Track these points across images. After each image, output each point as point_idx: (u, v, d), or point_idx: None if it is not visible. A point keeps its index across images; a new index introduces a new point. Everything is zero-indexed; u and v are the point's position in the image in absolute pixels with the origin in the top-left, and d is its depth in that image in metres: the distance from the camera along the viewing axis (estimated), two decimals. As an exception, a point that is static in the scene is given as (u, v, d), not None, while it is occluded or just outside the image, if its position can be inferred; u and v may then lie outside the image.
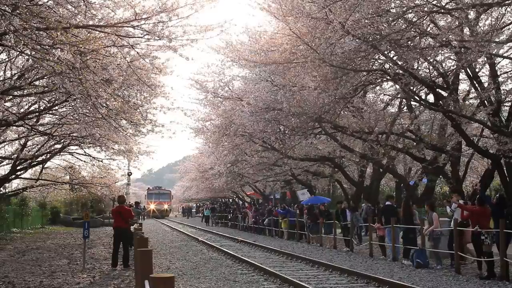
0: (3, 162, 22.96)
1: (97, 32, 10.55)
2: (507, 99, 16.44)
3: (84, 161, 26.05)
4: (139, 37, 10.78)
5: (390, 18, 13.08)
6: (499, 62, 17.39)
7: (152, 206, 63.84)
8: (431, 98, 18.45)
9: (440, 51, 15.04)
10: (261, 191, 42.94)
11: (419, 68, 16.63)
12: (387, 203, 16.40)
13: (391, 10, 13.11)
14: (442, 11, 12.60)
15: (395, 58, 15.55)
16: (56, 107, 16.70)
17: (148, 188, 71.78)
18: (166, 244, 21.30)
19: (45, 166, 27.10)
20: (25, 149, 22.05)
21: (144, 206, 54.86)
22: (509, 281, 10.67)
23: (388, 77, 16.47)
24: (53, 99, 15.64)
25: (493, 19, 14.96)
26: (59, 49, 9.63)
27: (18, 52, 12.59)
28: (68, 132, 18.58)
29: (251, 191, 48.11)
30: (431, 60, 15.51)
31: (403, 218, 14.62)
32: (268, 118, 21.05)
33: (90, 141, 20.21)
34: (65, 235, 27.03)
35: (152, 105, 16.02)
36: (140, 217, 36.49)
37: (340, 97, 17.04)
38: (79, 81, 10.58)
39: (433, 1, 12.39)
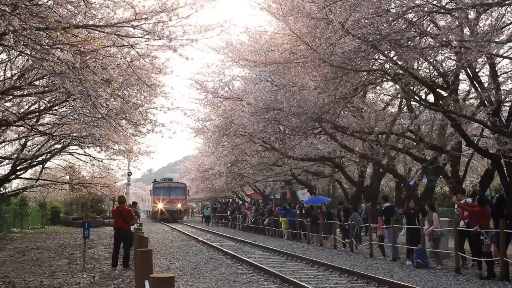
0: (3, 162, 22.98)
1: (97, 32, 10.56)
2: (507, 99, 16.43)
3: (84, 161, 26.17)
4: (139, 37, 10.78)
5: (390, 18, 13.06)
6: (499, 62, 17.40)
7: (160, 206, 45.57)
8: (431, 98, 18.45)
9: (440, 51, 15.05)
10: (261, 191, 42.93)
11: (419, 68, 16.64)
12: (387, 204, 16.43)
13: (391, 10, 13.10)
14: (442, 11, 12.60)
15: (395, 58, 15.54)
16: (56, 107, 16.72)
17: (155, 180, 51.27)
18: (166, 244, 21.30)
19: (45, 166, 27.19)
20: (25, 149, 22.08)
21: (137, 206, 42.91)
22: (509, 281, 10.67)
23: (388, 77, 16.47)
24: (53, 99, 15.66)
25: (493, 19, 14.95)
26: (59, 49, 9.62)
27: (18, 52, 12.58)
28: (68, 132, 18.62)
29: (251, 191, 48.05)
30: (431, 60, 15.51)
31: (407, 218, 14.64)
32: (268, 118, 21.05)
33: (90, 141, 20.27)
34: (65, 235, 27.04)
35: (152, 105, 16.06)
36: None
37: (340, 97, 17.05)
38: (79, 81, 10.58)
39: (433, 1, 12.39)
